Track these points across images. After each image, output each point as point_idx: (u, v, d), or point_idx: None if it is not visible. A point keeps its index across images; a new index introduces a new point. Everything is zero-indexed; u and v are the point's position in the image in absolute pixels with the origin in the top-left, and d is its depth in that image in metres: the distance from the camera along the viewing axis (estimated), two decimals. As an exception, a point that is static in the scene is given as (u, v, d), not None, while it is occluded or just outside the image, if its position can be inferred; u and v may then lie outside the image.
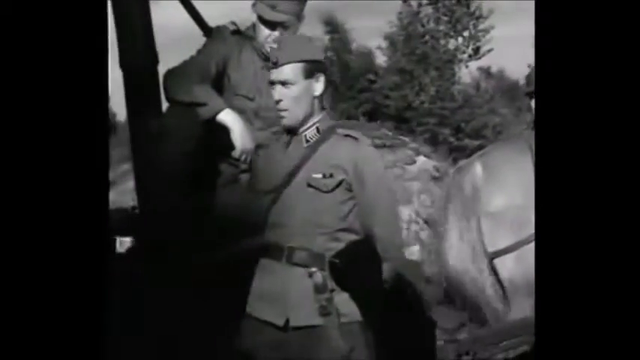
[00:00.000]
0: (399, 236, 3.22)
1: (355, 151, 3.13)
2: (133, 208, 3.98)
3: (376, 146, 9.52)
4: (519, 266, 4.34)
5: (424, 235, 8.00)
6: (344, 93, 14.95)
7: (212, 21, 4.05)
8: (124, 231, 3.80)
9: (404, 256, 3.21)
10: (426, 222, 7.97)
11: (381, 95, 14.19)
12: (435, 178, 8.86)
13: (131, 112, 3.99)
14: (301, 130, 3.16)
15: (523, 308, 4.21)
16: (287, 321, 3.07)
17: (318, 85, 3.15)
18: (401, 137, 10.37)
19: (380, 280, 3.07)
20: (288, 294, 3.08)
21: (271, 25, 3.78)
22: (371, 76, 14.43)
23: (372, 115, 14.22)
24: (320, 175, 3.09)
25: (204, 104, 3.56)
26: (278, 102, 3.12)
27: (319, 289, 3.04)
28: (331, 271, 3.02)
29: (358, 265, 3.03)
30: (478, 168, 4.63)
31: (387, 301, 3.12)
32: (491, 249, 4.51)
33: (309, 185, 3.09)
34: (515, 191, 4.31)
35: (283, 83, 3.10)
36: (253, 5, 3.83)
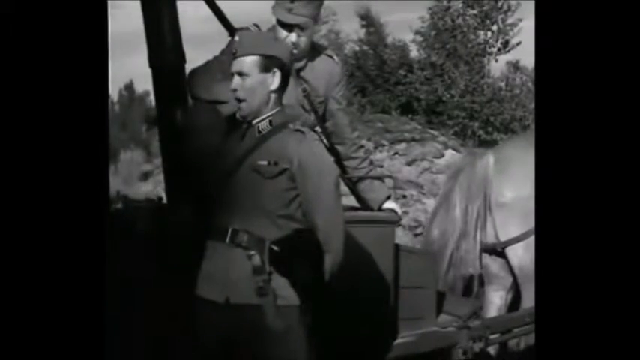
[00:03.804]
0: (340, 229, 3.29)
1: (301, 146, 3.25)
2: (160, 198, 4.11)
3: (405, 140, 9.62)
4: (529, 254, 4.46)
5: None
6: (381, 85, 14.94)
7: (236, 22, 4.19)
8: (149, 220, 3.92)
9: (342, 249, 3.26)
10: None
11: (414, 88, 14.17)
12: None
13: (160, 109, 4.16)
14: (255, 121, 3.29)
15: (534, 296, 4.28)
16: (227, 299, 3.21)
17: (274, 80, 3.28)
18: (430, 131, 10.45)
19: (320, 270, 3.21)
20: (229, 273, 3.22)
21: (288, 27, 3.92)
22: (404, 70, 14.42)
23: (406, 108, 14.21)
24: (265, 162, 3.23)
25: (225, 102, 3.72)
26: (234, 91, 3.25)
27: (257, 270, 3.18)
28: (270, 257, 3.18)
29: (298, 254, 3.19)
30: (491, 159, 4.77)
31: (327, 291, 3.26)
32: (502, 238, 4.66)
33: (254, 170, 3.23)
34: (524, 183, 4.45)
35: (239, 74, 3.25)
36: (272, 7, 3.96)
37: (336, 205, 3.31)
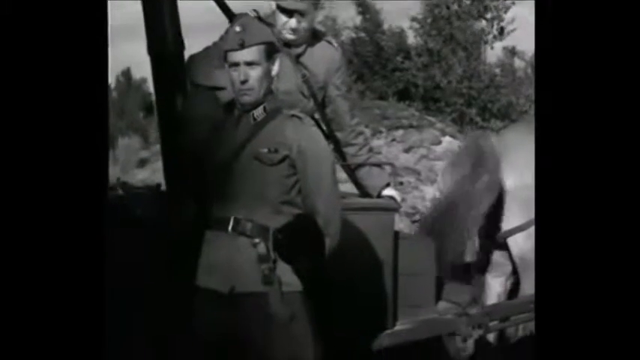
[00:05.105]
0: (338, 213, 3.31)
1: (299, 131, 3.26)
2: (158, 185, 4.11)
3: (403, 127, 9.63)
4: (529, 243, 4.44)
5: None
6: (378, 72, 14.92)
7: (235, 8, 4.14)
8: (149, 208, 3.91)
9: (339, 233, 3.27)
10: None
11: (411, 75, 14.17)
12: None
13: (158, 96, 4.15)
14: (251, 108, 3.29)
15: (533, 285, 4.24)
16: (232, 288, 3.21)
17: (275, 66, 3.30)
18: (428, 118, 10.47)
19: (321, 254, 3.22)
20: (233, 262, 3.22)
21: (288, 12, 3.91)
22: (401, 57, 14.40)
23: (404, 95, 14.20)
24: (266, 150, 3.23)
25: (223, 88, 3.70)
26: (244, 82, 3.22)
27: (262, 258, 3.18)
28: (275, 244, 3.18)
29: (300, 239, 3.17)
30: (494, 142, 4.74)
31: (328, 274, 3.28)
32: (504, 228, 4.64)
33: (255, 158, 3.23)
34: (526, 171, 4.41)
35: (249, 64, 3.22)
36: None
37: (334, 189, 3.33)
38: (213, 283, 3.26)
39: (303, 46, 4.05)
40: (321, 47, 4.12)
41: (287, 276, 3.21)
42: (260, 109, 3.28)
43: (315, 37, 4.11)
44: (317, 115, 4.13)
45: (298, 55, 4.04)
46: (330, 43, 4.18)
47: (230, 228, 3.24)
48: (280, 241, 3.17)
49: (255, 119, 3.29)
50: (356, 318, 3.99)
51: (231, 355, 3.22)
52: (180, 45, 4.07)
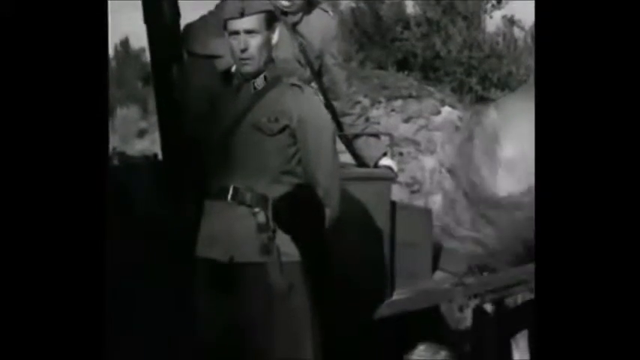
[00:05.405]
0: (338, 183, 3.31)
1: (300, 101, 3.25)
2: (155, 155, 4.11)
3: (402, 97, 9.62)
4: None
5: (447, 184, 8.09)
6: (378, 42, 14.87)
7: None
8: (146, 178, 3.92)
9: (338, 204, 3.28)
10: (449, 171, 8.05)
11: (411, 45, 14.12)
12: (459, 129, 8.89)
13: (155, 65, 4.13)
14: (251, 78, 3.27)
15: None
16: (231, 258, 3.21)
17: (275, 35, 3.29)
18: (427, 87, 10.41)
19: (321, 224, 3.22)
20: (233, 232, 3.21)
21: None
22: (400, 27, 14.35)
23: (403, 64, 14.15)
24: (266, 119, 3.22)
25: (220, 56, 3.69)
26: (244, 50, 3.20)
27: (262, 228, 3.18)
28: (274, 214, 3.18)
29: (300, 209, 3.19)
30: (493, 113, 4.73)
31: (326, 246, 3.30)
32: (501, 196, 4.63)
33: (255, 128, 3.22)
34: (526, 140, 4.38)
35: (249, 32, 3.21)
36: None
37: (334, 159, 3.32)
38: (212, 253, 3.25)
39: (299, 15, 4.03)
40: (317, 15, 4.10)
41: (286, 246, 3.21)
42: (261, 78, 3.27)
43: (310, 5, 4.09)
44: (314, 85, 4.11)
45: (294, 24, 4.02)
46: (325, 11, 4.15)
47: (229, 197, 3.23)
48: (280, 211, 3.17)
49: (255, 88, 3.28)
50: (354, 288, 3.99)
51: (230, 326, 3.22)
52: (176, 14, 4.04)
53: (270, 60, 3.29)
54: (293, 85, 3.30)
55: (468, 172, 4.76)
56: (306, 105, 3.27)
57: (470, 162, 4.84)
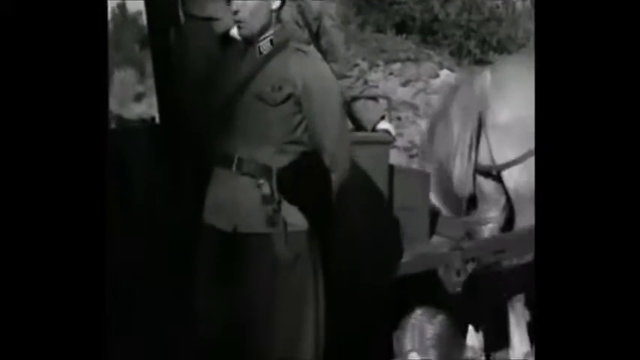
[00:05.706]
0: (347, 148, 3.27)
1: (305, 66, 3.19)
2: (153, 119, 4.10)
3: (400, 60, 9.57)
4: (524, 177, 4.41)
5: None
6: (376, 5, 14.78)
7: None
8: (144, 142, 3.91)
9: (347, 169, 3.25)
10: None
11: (409, 8, 14.05)
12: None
13: (152, 29, 4.12)
14: (256, 41, 3.22)
15: (528, 218, 4.29)
16: (235, 228, 3.17)
17: (276, 0, 3.22)
18: (426, 51, 10.39)
19: (328, 191, 3.19)
20: (237, 202, 3.18)
21: None
22: (399, -11, 14.28)
23: (401, 28, 14.07)
24: (269, 88, 3.16)
25: (218, 19, 3.66)
26: (235, 13, 3.17)
27: (266, 199, 3.14)
28: (279, 185, 3.14)
29: (306, 177, 3.16)
30: (488, 77, 4.68)
31: (333, 213, 3.25)
32: (499, 161, 4.60)
33: (258, 98, 3.16)
34: (521, 105, 4.35)
35: None
36: None
37: (342, 123, 3.29)
38: (216, 221, 3.23)
39: None
40: None
41: (292, 216, 3.17)
42: (266, 42, 3.22)
43: None
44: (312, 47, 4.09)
45: None
46: None
47: (234, 167, 3.19)
48: (284, 181, 3.13)
49: (261, 52, 3.22)
50: (356, 254, 3.99)
51: (234, 293, 3.19)
52: (172, -25, 4.01)
53: (267, 25, 3.22)
54: (298, 49, 3.24)
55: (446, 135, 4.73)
56: (310, 69, 3.21)
57: (447, 124, 4.82)
